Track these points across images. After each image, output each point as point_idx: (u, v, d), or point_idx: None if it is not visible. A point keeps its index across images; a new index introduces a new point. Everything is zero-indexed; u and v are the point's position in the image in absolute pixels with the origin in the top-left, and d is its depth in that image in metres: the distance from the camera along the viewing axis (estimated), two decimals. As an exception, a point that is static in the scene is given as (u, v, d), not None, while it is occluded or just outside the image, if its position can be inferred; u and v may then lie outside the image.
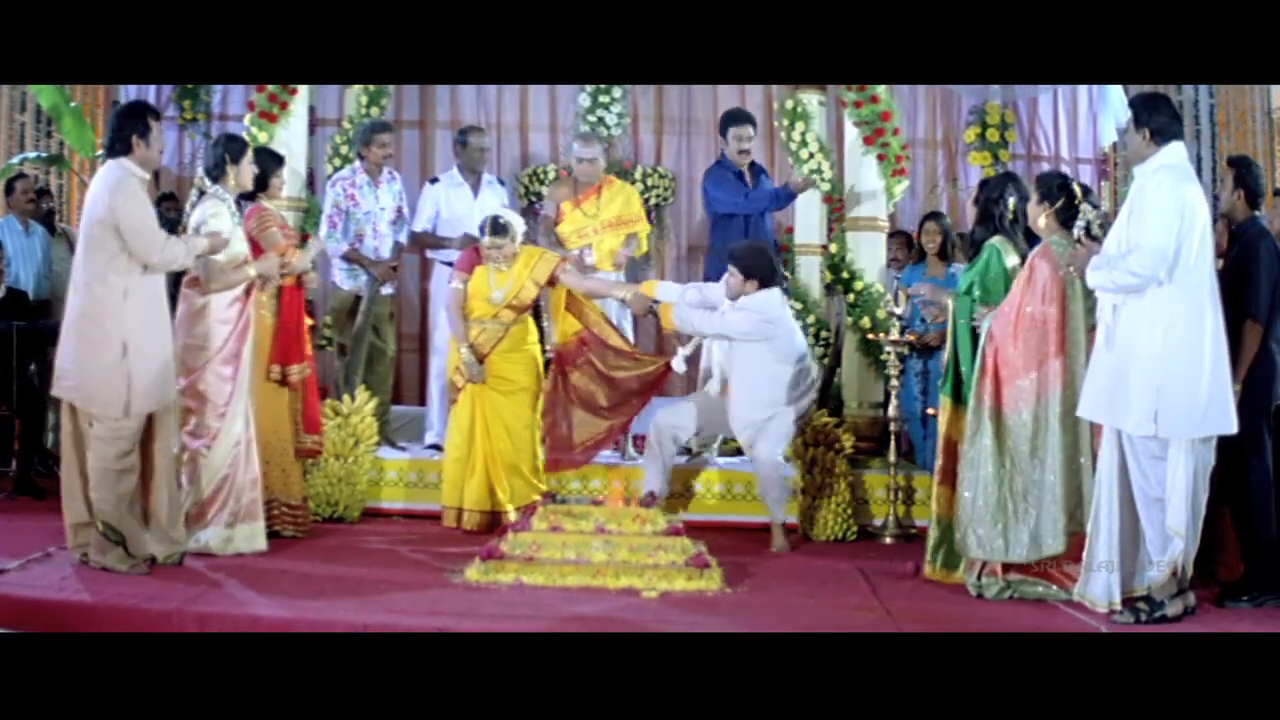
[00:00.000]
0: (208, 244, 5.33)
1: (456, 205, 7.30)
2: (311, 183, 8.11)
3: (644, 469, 6.53)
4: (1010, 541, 5.10)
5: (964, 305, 5.45)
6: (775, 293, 6.21)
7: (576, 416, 6.53)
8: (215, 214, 5.54)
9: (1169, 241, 4.55)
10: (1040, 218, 5.19)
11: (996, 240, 5.50)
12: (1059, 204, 5.14)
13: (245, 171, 5.71)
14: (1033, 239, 5.37)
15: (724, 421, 6.33)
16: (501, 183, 7.74)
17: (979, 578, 5.20)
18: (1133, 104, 4.86)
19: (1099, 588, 4.81)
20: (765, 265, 6.18)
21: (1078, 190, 5.16)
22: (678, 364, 6.37)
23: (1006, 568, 5.16)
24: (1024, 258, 5.41)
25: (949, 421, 5.46)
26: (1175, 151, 4.74)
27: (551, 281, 6.52)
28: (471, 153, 7.44)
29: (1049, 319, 5.06)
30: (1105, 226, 5.02)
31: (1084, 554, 4.89)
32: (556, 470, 6.62)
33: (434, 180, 7.57)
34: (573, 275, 6.59)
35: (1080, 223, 4.98)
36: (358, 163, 7.24)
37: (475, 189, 7.39)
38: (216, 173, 5.64)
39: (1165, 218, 4.57)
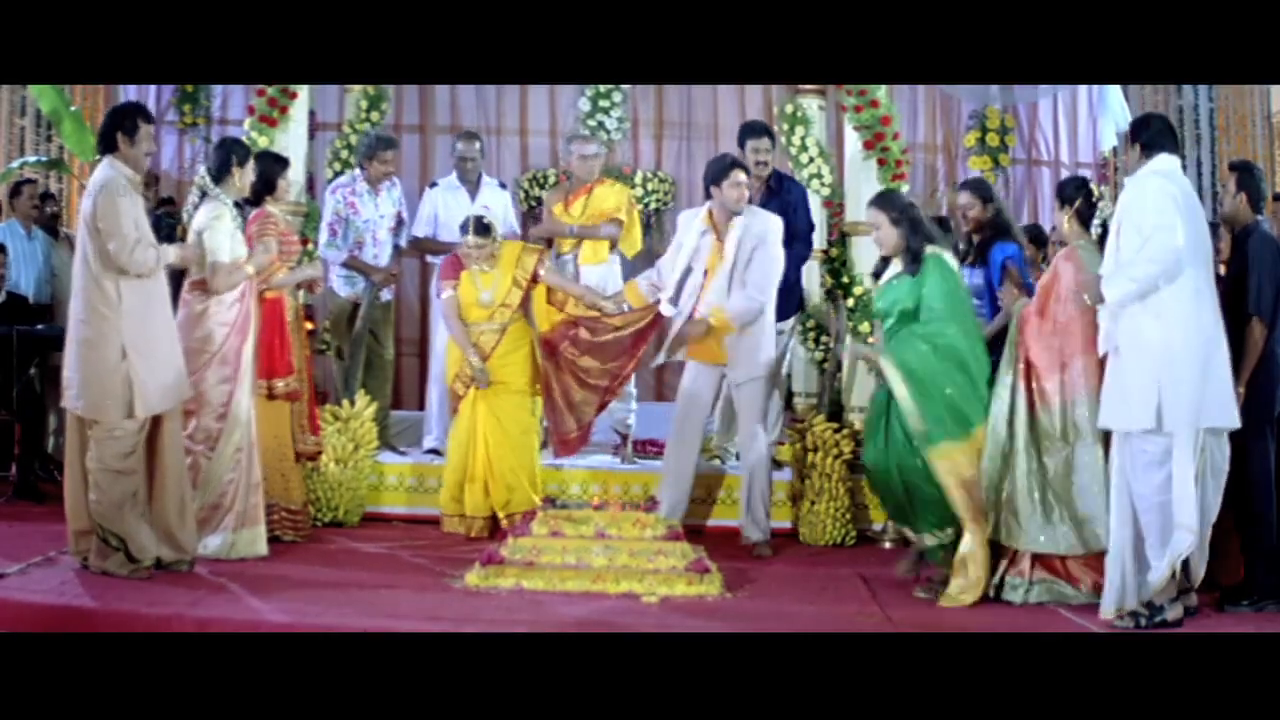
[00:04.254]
0: (178, 255, 5.33)
1: (454, 210, 7.27)
2: (311, 187, 8.10)
3: (641, 472, 6.53)
4: (1053, 535, 5.06)
5: (908, 347, 5.22)
6: None
7: (578, 396, 6.51)
8: (217, 216, 5.55)
9: (1172, 231, 4.60)
10: (1064, 222, 5.21)
11: (934, 249, 5.30)
12: (1078, 204, 5.17)
13: (248, 176, 5.71)
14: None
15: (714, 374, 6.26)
16: (502, 185, 7.72)
17: (1002, 578, 5.17)
18: (1132, 124, 5.06)
19: (1111, 594, 4.80)
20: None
21: (1095, 190, 5.22)
22: (666, 308, 6.31)
23: (1033, 565, 5.14)
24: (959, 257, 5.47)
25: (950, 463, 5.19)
26: (1164, 160, 4.83)
27: (534, 279, 6.50)
28: (460, 159, 7.41)
29: (1072, 320, 5.05)
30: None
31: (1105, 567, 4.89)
32: (568, 454, 6.61)
33: (433, 184, 7.56)
34: (552, 273, 6.58)
35: (1098, 219, 5.08)
36: (358, 170, 7.24)
37: (473, 194, 7.36)
38: (220, 175, 5.64)
39: (1164, 214, 4.63)
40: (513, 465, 6.40)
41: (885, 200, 5.51)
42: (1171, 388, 4.60)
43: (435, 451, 7.17)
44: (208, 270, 5.49)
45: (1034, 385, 5.12)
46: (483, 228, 6.32)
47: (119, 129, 5.14)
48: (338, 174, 7.73)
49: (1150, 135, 4.88)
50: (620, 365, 6.48)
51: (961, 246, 6.14)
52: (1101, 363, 4.93)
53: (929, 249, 5.28)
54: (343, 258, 7.10)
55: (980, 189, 6.05)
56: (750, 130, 7.08)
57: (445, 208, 7.34)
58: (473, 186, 7.40)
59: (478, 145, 7.53)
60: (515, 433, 6.44)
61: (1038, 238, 7.26)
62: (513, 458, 6.40)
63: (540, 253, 6.58)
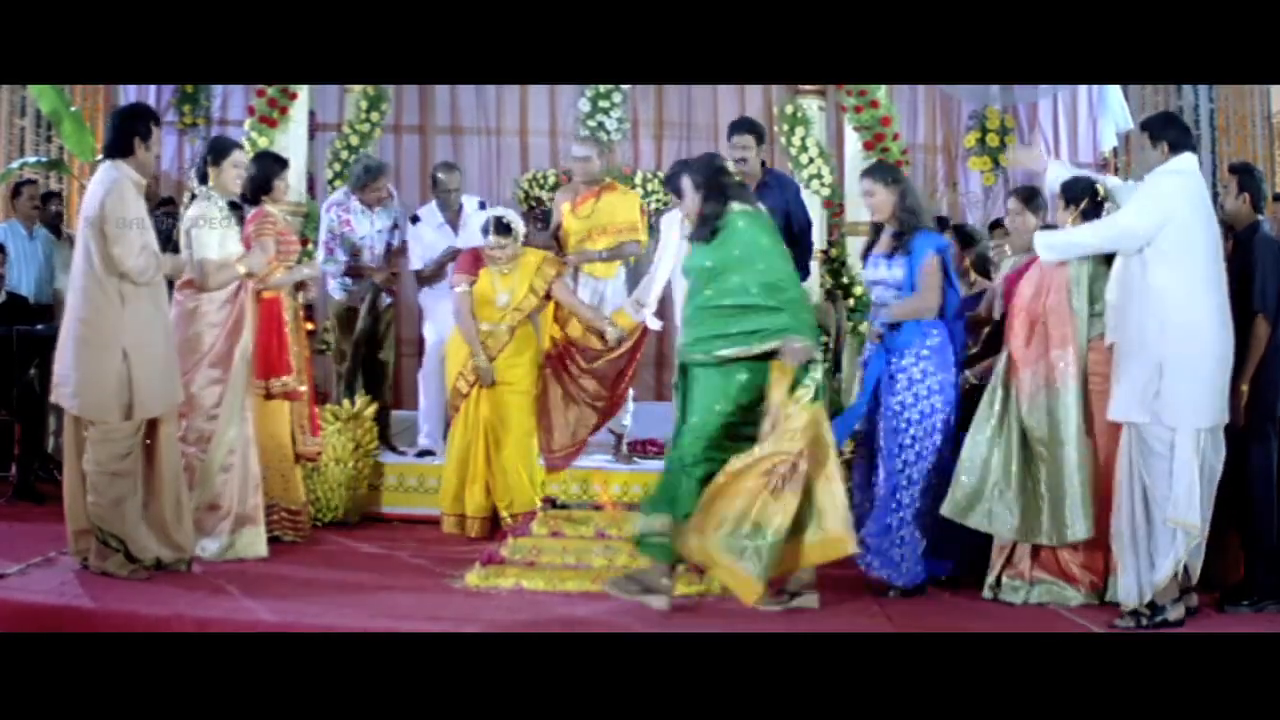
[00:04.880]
0: (172, 265, 5.33)
1: (440, 246, 7.22)
2: (311, 187, 8.11)
3: (641, 472, 6.50)
4: (1029, 525, 5.07)
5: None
6: None
7: (573, 413, 6.53)
8: (204, 213, 5.55)
9: (1138, 221, 4.73)
10: (1068, 222, 5.22)
11: (736, 208, 5.00)
12: (1084, 205, 5.18)
13: (227, 173, 5.65)
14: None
15: None
16: (482, 205, 7.61)
17: (998, 580, 5.17)
18: (1148, 123, 5.01)
19: (1129, 587, 4.77)
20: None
21: (1101, 189, 5.22)
22: (653, 322, 6.32)
23: (1032, 565, 5.13)
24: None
25: None
26: (1182, 160, 4.85)
27: (548, 294, 6.51)
28: (440, 192, 7.35)
29: (1049, 313, 5.08)
30: None
31: (1112, 555, 4.90)
32: (557, 469, 6.61)
33: (415, 219, 7.38)
34: (565, 291, 6.58)
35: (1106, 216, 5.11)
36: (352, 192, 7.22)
37: (455, 225, 7.26)
38: (203, 174, 5.66)
39: (1147, 203, 4.75)
40: (516, 465, 6.39)
41: (688, 166, 5.26)
42: (1169, 386, 4.63)
43: (428, 452, 7.17)
44: (195, 268, 5.48)
45: (1015, 375, 5.14)
46: (503, 227, 6.33)
47: (135, 133, 5.11)
48: (338, 174, 7.73)
49: (1177, 134, 4.92)
50: (617, 387, 6.55)
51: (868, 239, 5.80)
52: (1098, 354, 5.01)
53: (732, 207, 5.00)
54: (342, 269, 7.13)
55: (882, 173, 5.55)
56: (733, 127, 6.98)
57: (432, 246, 7.25)
58: (454, 215, 7.31)
59: (458, 175, 7.47)
60: (519, 433, 6.43)
61: None
62: (516, 457, 6.40)
63: (560, 267, 6.58)
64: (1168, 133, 4.90)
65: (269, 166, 6.05)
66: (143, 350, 5.04)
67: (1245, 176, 5.36)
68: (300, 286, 6.16)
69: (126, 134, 5.11)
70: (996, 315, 5.62)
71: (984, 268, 6.06)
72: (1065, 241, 5.05)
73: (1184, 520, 4.60)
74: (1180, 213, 4.70)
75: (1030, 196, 5.62)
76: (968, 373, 5.55)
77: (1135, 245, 4.76)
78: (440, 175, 7.41)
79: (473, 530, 6.37)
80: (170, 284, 5.54)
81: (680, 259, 6.05)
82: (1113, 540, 4.87)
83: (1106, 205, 5.17)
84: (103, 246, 4.97)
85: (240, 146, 5.85)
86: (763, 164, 6.82)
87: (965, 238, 6.31)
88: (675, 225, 6.12)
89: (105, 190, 5.01)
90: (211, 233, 5.51)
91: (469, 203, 7.42)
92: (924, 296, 5.31)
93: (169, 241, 5.77)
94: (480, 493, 6.39)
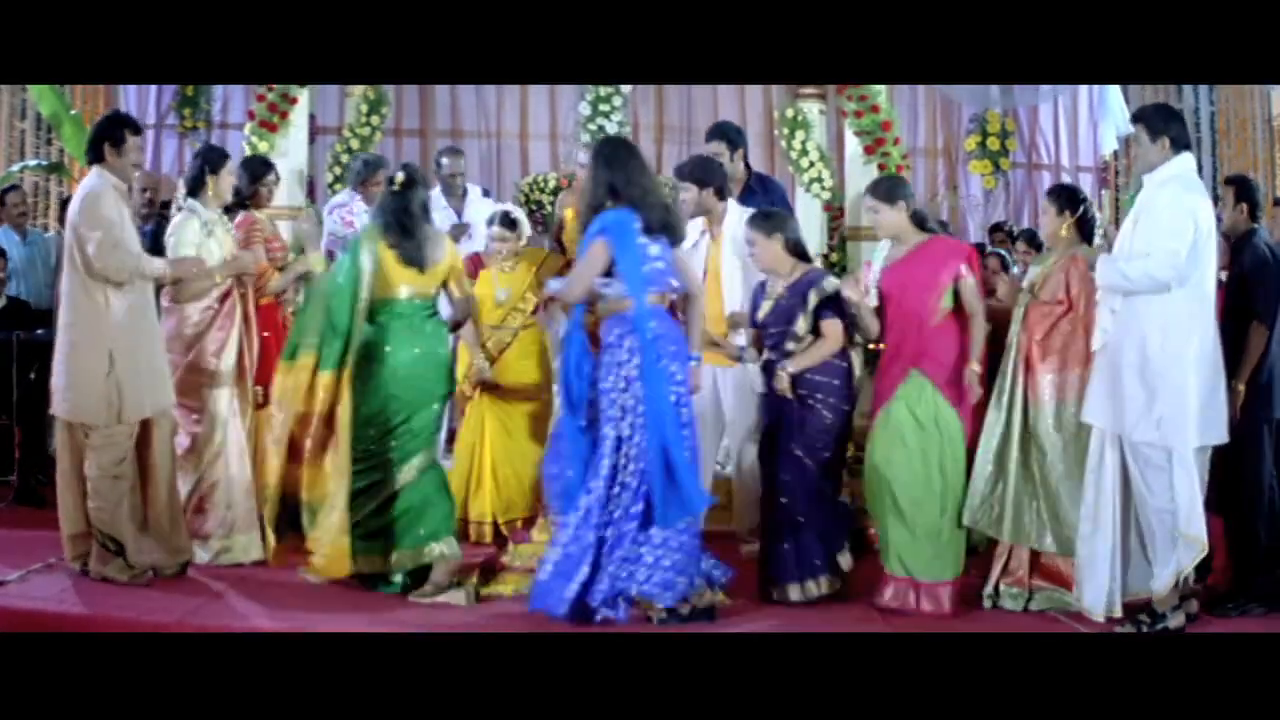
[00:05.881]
0: (162, 267, 5.32)
1: (444, 225, 7.22)
2: (312, 191, 8.11)
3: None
4: (1039, 531, 5.03)
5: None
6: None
7: None
8: (184, 223, 5.55)
9: (1182, 246, 4.56)
10: (1062, 229, 5.17)
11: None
12: (1079, 213, 5.15)
13: (224, 182, 5.66)
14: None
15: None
16: (486, 193, 7.62)
17: (996, 588, 5.14)
18: (1145, 114, 4.88)
19: (1098, 595, 4.76)
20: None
21: (1086, 197, 5.22)
22: None
23: (1032, 572, 5.11)
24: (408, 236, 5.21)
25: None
26: (1185, 162, 4.77)
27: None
28: (443, 177, 7.35)
29: (1077, 325, 5.01)
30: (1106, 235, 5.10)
31: (1077, 562, 4.85)
32: None
33: None
34: None
35: (1099, 231, 5.11)
36: (353, 189, 7.22)
37: (459, 209, 7.27)
38: (194, 185, 5.63)
39: (1178, 224, 4.59)
40: (518, 471, 6.33)
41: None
42: (1173, 404, 4.57)
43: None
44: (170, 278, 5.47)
45: (1030, 379, 5.07)
46: (509, 222, 6.32)
47: (106, 139, 5.14)
48: (338, 178, 7.72)
49: (1179, 130, 4.79)
50: None
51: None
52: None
53: None
54: None
55: (591, 151, 5.11)
56: (706, 134, 6.94)
57: (437, 226, 7.27)
58: (458, 200, 7.32)
59: (462, 160, 7.47)
60: (521, 439, 6.39)
61: (1034, 241, 7.25)
62: (517, 463, 6.35)
63: (565, 262, 6.56)
64: (1170, 128, 4.75)
65: (256, 170, 6.05)
66: (129, 352, 5.04)
67: (1243, 187, 5.37)
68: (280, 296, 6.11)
69: (98, 140, 5.16)
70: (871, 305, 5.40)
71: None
72: (1124, 281, 4.66)
73: (1193, 534, 4.57)
74: (1203, 223, 4.63)
75: (890, 192, 5.34)
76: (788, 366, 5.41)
77: (1184, 278, 4.59)
78: (445, 160, 7.38)
79: (473, 536, 6.33)
80: (159, 287, 5.53)
81: (702, 256, 6.06)
82: (1080, 548, 4.82)
83: (1095, 215, 5.17)
84: (82, 248, 4.99)
85: (228, 155, 5.84)
86: (748, 168, 6.80)
87: (1033, 241, 6.27)
88: (697, 223, 6.12)
89: (84, 194, 5.06)
90: (187, 244, 5.48)
91: (473, 190, 7.44)
92: (566, 285, 4.90)
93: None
94: (485, 498, 6.34)
